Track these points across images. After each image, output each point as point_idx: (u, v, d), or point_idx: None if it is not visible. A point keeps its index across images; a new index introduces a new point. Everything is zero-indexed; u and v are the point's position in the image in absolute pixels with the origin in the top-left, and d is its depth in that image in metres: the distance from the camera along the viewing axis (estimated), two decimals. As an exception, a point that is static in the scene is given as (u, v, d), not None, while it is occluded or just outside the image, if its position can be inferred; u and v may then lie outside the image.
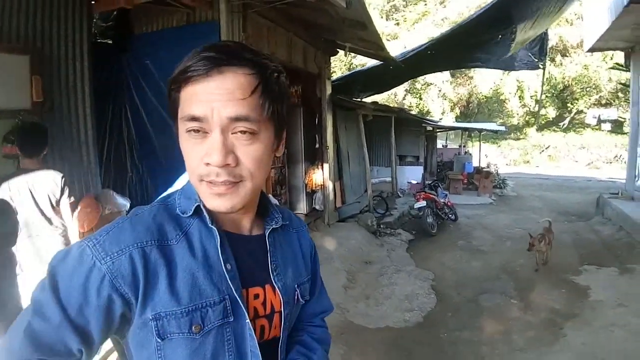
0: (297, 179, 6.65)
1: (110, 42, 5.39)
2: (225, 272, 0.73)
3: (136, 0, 4.12)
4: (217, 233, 0.74)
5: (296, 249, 0.91)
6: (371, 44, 5.85)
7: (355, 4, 3.99)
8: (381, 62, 7.55)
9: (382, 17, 22.86)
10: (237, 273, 0.74)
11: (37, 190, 2.87)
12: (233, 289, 0.73)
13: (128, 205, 4.63)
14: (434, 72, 12.59)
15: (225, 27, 3.91)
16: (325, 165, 6.49)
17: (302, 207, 6.75)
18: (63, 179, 3.03)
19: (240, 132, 0.66)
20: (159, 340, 0.69)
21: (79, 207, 3.60)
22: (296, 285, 0.86)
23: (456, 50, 6.71)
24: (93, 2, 4.49)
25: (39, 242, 2.89)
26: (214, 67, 0.64)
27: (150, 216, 0.73)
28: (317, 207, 6.82)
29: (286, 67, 4.59)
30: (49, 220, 2.94)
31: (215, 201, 0.70)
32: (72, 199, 3.17)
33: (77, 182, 4.36)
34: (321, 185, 6.50)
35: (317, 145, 6.59)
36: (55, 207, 2.98)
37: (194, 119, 0.65)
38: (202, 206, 0.74)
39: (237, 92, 0.65)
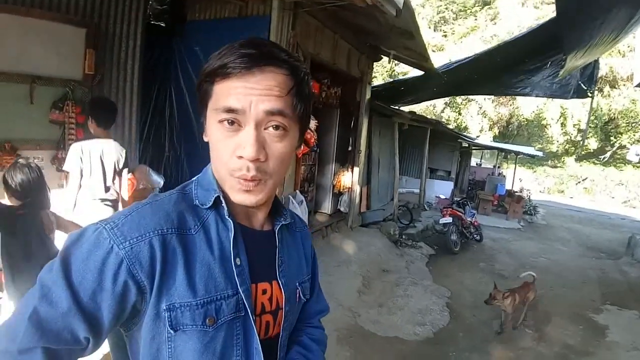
0: (325, 179, 6.68)
1: (163, 25, 5.58)
2: (234, 267, 0.73)
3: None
4: (233, 226, 0.74)
5: (299, 248, 0.92)
6: (416, 54, 5.81)
7: (405, 13, 3.98)
8: (423, 73, 7.48)
9: (429, 28, 22.59)
10: (247, 268, 0.75)
11: (106, 157, 3.13)
12: (238, 284, 0.73)
13: (162, 183, 4.81)
14: (477, 94, 12.34)
15: (275, 23, 3.98)
16: (356, 169, 6.50)
17: (327, 207, 6.79)
18: (126, 152, 3.29)
19: (273, 127, 0.69)
20: (171, 331, 0.67)
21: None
22: (298, 283, 0.87)
23: (501, 73, 6.56)
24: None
25: (97, 206, 3.12)
26: (255, 65, 0.67)
27: (171, 203, 0.72)
28: (342, 209, 6.83)
29: (329, 68, 4.67)
30: (107, 188, 3.18)
31: (242, 196, 0.72)
32: (130, 175, 3.44)
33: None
34: (349, 188, 6.51)
35: (349, 148, 6.60)
36: (116, 176, 3.23)
37: (230, 110, 0.67)
38: (221, 197, 0.74)
39: (276, 90, 0.68)
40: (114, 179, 3.23)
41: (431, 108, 21.64)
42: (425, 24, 22.35)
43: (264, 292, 0.79)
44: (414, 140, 10.72)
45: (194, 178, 0.79)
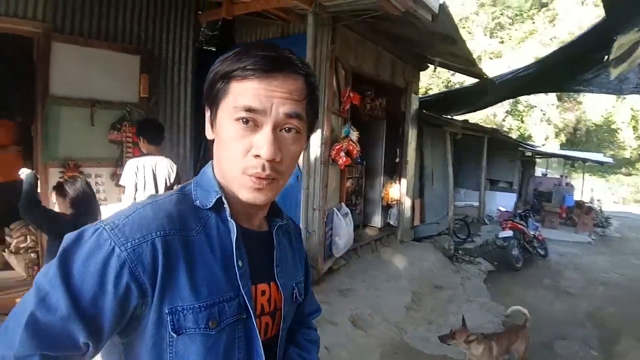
0: (374, 192, 6.58)
1: (214, 49, 5.91)
2: (236, 269, 0.72)
3: (235, 11, 4.45)
4: (235, 227, 0.73)
5: (294, 248, 0.92)
6: (462, 60, 5.60)
7: (443, 17, 3.87)
8: (476, 81, 7.19)
9: (485, 35, 21.79)
10: (248, 270, 0.74)
11: (158, 172, 3.37)
12: (241, 286, 0.72)
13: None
14: (532, 93, 11.58)
15: (311, 40, 4.05)
16: (403, 181, 6.33)
17: (377, 221, 6.66)
18: (176, 168, 3.53)
19: (288, 129, 0.70)
20: (173, 335, 0.66)
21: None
22: (294, 284, 0.87)
23: (559, 71, 6.11)
24: (200, 13, 4.97)
25: None
26: (277, 68, 0.68)
27: (172, 204, 0.71)
28: (392, 222, 6.67)
29: (373, 80, 4.62)
30: None
31: (253, 194, 0.71)
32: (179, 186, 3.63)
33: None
34: (397, 200, 6.34)
35: (397, 160, 6.46)
36: (167, 190, 3.42)
37: (250, 110, 0.67)
38: (223, 198, 0.73)
39: (295, 94, 0.70)
40: (165, 192, 3.43)
41: (492, 117, 20.65)
42: (480, 31, 21.61)
43: (263, 293, 0.78)
44: (471, 151, 10.25)
45: (192, 179, 0.78)
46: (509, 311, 3.73)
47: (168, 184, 3.45)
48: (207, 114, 0.75)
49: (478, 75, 6.57)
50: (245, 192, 0.71)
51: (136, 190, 3.30)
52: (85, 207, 2.52)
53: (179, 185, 0.78)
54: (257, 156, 0.68)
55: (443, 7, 3.84)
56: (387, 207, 6.61)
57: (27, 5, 3.69)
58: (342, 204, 5.21)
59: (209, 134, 0.76)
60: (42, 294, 0.61)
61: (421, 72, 6.90)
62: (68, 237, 0.65)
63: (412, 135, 6.59)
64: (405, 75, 6.24)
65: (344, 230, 4.86)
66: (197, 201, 0.73)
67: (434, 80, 19.61)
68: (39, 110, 3.86)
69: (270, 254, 0.81)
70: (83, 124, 4.11)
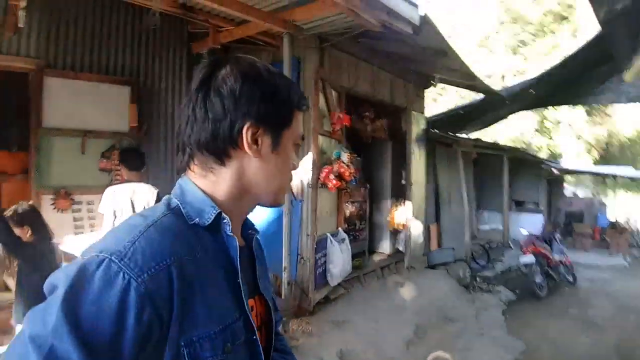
0: (381, 216, 6.29)
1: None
2: (241, 286, 0.70)
3: (222, 39, 4.46)
4: (237, 243, 0.71)
5: (264, 258, 0.90)
6: (461, 74, 5.36)
7: (427, 30, 3.70)
8: (485, 97, 6.89)
9: (508, 53, 21.35)
10: (245, 286, 0.73)
11: (137, 199, 3.32)
12: (245, 304, 0.71)
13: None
14: (546, 106, 11.04)
15: (287, 61, 3.97)
16: (409, 204, 6.01)
17: (385, 247, 6.33)
18: (157, 193, 3.45)
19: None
20: None
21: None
22: (272, 295, 0.87)
23: (568, 82, 5.78)
24: (191, 43, 5.02)
25: None
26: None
27: (172, 224, 0.66)
28: (401, 248, 6.32)
29: (369, 100, 4.44)
30: None
31: (282, 197, 0.82)
32: None
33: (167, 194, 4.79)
34: (404, 225, 6.02)
35: (402, 182, 6.19)
36: None
37: (302, 137, 0.83)
38: (223, 214, 0.70)
39: None
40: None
41: (519, 135, 19.92)
42: (502, 50, 21.21)
43: (252, 308, 0.76)
44: (491, 170, 9.78)
45: (168, 198, 0.74)
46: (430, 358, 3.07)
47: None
48: (258, 133, 0.72)
49: (485, 91, 6.28)
50: (282, 197, 0.80)
51: (115, 217, 3.26)
52: (35, 227, 2.62)
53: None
54: (295, 167, 0.81)
55: (426, 20, 3.67)
56: (395, 232, 6.28)
57: (21, 43, 3.83)
58: (340, 229, 4.97)
59: (254, 152, 0.72)
60: (44, 349, 0.51)
61: (429, 90, 6.68)
62: (64, 275, 0.56)
63: (418, 155, 6.31)
64: (407, 94, 6.03)
65: (338, 258, 4.60)
66: (194, 219, 0.69)
67: (451, 96, 19.22)
68: (32, 141, 3.95)
69: (252, 267, 0.81)
70: (74, 153, 4.16)
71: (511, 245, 9.43)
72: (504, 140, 14.28)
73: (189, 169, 0.75)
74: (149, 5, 3.70)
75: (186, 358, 0.61)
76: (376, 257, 6.12)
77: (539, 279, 6.37)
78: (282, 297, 4.08)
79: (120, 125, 4.44)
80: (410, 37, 4.20)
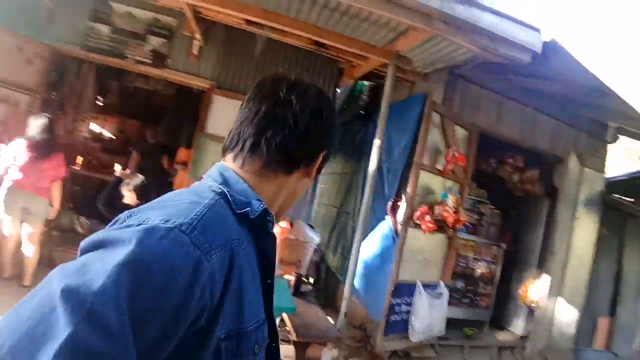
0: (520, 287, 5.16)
1: (363, 112, 6.34)
2: (272, 285, 0.72)
3: (355, 74, 4.79)
4: (275, 243, 0.73)
5: None
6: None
7: (557, 59, 2.99)
8: None
9: None
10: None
11: None
12: (272, 305, 0.72)
13: (317, 240, 5.23)
14: None
15: (388, 90, 3.90)
16: (546, 277, 4.68)
17: (517, 325, 5.11)
18: None
19: None
20: None
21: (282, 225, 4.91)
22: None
23: None
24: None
25: None
26: None
27: (228, 211, 0.64)
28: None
29: (518, 146, 3.94)
30: None
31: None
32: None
33: (291, 209, 5.37)
34: (535, 302, 4.71)
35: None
36: None
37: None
38: (268, 210, 0.70)
39: None
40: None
41: None
42: None
43: None
44: None
45: (214, 183, 0.70)
46: None
47: None
48: (320, 158, 0.80)
49: None
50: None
51: None
52: (146, 197, 3.25)
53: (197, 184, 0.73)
54: None
55: (555, 46, 2.99)
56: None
57: (200, 67, 5.09)
58: (441, 283, 4.37)
59: (310, 174, 0.80)
60: (82, 309, 0.42)
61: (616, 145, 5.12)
62: (123, 234, 0.50)
63: (585, 222, 4.88)
64: (576, 146, 4.81)
65: (424, 311, 4.05)
66: (243, 209, 0.66)
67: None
68: (195, 141, 5.19)
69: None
70: (219, 156, 5.20)
71: None
72: None
73: (233, 159, 0.75)
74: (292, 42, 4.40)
75: (223, 353, 0.57)
76: (500, 334, 5.01)
77: None
78: (337, 325, 3.92)
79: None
80: (557, 72, 3.51)
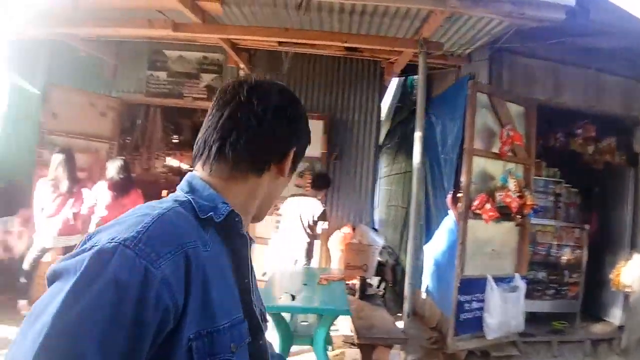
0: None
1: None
2: (251, 285, 0.73)
3: (395, 70, 4.73)
4: (249, 242, 0.75)
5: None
6: None
7: (596, 7, 2.69)
8: None
9: None
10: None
11: (305, 209, 4.38)
12: (253, 304, 0.73)
13: (381, 243, 5.18)
14: None
15: (422, 76, 3.75)
16: (637, 257, 4.04)
17: (614, 314, 4.48)
18: (322, 212, 4.39)
19: None
20: None
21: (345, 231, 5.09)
22: (260, 305, 0.85)
23: None
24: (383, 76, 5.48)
25: (290, 238, 4.40)
26: None
27: (185, 216, 0.66)
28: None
29: (583, 113, 3.84)
30: (299, 231, 4.40)
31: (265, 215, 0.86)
32: (325, 225, 4.63)
33: (352, 214, 5.48)
34: (630, 286, 4.07)
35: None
36: (308, 224, 4.39)
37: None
38: (236, 211, 0.71)
39: None
40: (305, 226, 4.35)
41: None
42: None
43: None
44: None
45: (180, 193, 0.73)
46: None
47: (310, 221, 4.34)
48: (291, 155, 0.80)
49: None
50: (264, 216, 0.86)
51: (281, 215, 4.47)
52: None
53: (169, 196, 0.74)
54: None
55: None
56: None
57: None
58: (517, 275, 4.03)
59: (283, 172, 0.80)
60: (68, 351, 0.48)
61: None
62: (74, 263, 0.54)
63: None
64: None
65: (497, 307, 3.76)
66: (207, 213, 0.68)
67: None
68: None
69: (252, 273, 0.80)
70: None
71: None
72: None
73: (202, 167, 0.76)
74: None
75: (194, 352, 0.59)
76: (595, 326, 4.44)
77: None
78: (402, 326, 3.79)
79: (314, 152, 5.40)
80: (609, 25, 3.16)
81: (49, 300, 0.52)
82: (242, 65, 5.10)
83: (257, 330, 0.72)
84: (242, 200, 0.75)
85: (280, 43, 4.45)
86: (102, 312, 0.50)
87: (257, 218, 0.83)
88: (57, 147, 4.19)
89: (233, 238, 0.71)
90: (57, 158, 3.76)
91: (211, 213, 0.68)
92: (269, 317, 2.75)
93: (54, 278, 0.56)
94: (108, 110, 5.00)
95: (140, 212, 0.63)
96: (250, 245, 0.77)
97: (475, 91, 3.82)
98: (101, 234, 0.59)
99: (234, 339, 0.65)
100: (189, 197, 0.70)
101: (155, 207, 0.65)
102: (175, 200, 0.69)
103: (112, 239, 0.55)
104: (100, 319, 0.50)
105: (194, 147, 0.79)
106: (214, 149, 0.74)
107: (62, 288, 0.52)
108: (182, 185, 0.74)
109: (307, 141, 0.85)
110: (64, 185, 3.70)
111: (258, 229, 5.41)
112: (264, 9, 3.76)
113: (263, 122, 0.74)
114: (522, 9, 2.76)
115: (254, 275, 0.80)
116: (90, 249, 0.55)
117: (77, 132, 4.76)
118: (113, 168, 4.19)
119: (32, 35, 3.96)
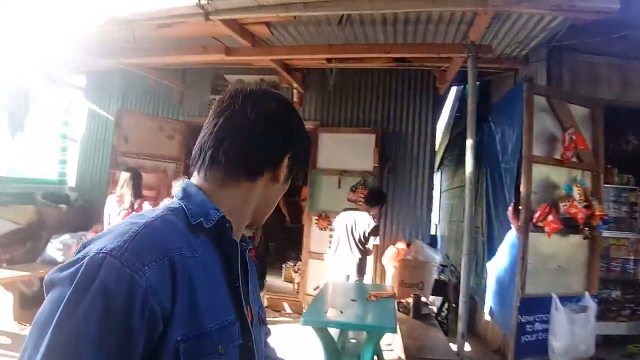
0: None
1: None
2: (241, 289, 0.74)
3: (448, 78, 4.59)
4: (239, 247, 0.76)
5: (254, 274, 0.92)
6: None
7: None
8: None
9: None
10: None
11: (356, 224, 4.38)
12: (244, 307, 0.75)
13: (438, 260, 4.97)
14: None
15: (471, 82, 3.58)
16: None
17: None
18: (374, 227, 4.36)
19: None
20: None
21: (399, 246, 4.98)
22: (258, 309, 0.87)
23: None
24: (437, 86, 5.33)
25: (341, 253, 4.38)
26: None
27: (174, 223, 0.68)
28: None
29: None
30: (350, 246, 4.39)
31: (262, 222, 0.88)
32: (377, 240, 4.62)
33: (409, 228, 5.36)
34: None
35: None
36: (359, 240, 4.38)
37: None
38: (226, 217, 0.74)
39: None
40: (356, 241, 4.33)
41: None
42: None
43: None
44: None
45: (176, 200, 0.76)
46: None
47: (360, 236, 4.31)
48: (285, 164, 0.82)
49: None
50: (262, 222, 0.87)
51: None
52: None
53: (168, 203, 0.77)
54: None
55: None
56: None
57: (306, 111, 5.62)
58: (587, 294, 3.61)
59: (277, 179, 0.82)
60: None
61: None
62: (64, 276, 0.58)
63: None
64: None
65: (563, 329, 3.37)
66: (195, 219, 0.71)
67: None
68: (309, 178, 5.60)
69: (245, 277, 0.80)
70: (333, 187, 5.47)
71: None
72: None
73: (198, 173, 0.79)
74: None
75: (181, 354, 0.61)
76: None
77: None
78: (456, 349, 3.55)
79: (366, 165, 5.37)
80: None
81: (49, 312, 0.56)
82: (295, 85, 5.28)
83: (246, 332, 0.73)
84: (236, 206, 0.78)
85: (328, 60, 4.56)
86: (95, 321, 0.54)
87: (254, 224, 0.85)
88: (125, 166, 4.63)
89: (224, 243, 0.74)
90: (124, 176, 4.09)
91: (201, 219, 0.70)
92: (315, 332, 2.86)
93: (51, 286, 0.59)
94: (175, 133, 5.46)
95: (130, 221, 0.67)
96: (246, 249, 0.80)
97: (532, 94, 3.56)
98: (93, 243, 0.62)
99: (222, 340, 0.67)
100: (182, 203, 0.73)
101: (144, 216, 0.68)
102: (168, 208, 0.72)
103: (101, 250, 0.58)
104: (94, 328, 0.54)
105: (192, 154, 0.82)
106: (208, 155, 0.76)
107: (59, 299, 0.56)
108: (178, 192, 0.77)
109: (304, 149, 0.86)
110: (127, 200, 4.03)
111: (312, 244, 5.54)
112: (309, 27, 3.90)
113: (255, 129, 0.76)
114: (571, 1, 2.55)
115: (252, 279, 0.83)
116: (82, 259, 0.59)
117: (147, 154, 5.25)
118: (177, 186, 4.53)
119: (104, 66, 4.46)
